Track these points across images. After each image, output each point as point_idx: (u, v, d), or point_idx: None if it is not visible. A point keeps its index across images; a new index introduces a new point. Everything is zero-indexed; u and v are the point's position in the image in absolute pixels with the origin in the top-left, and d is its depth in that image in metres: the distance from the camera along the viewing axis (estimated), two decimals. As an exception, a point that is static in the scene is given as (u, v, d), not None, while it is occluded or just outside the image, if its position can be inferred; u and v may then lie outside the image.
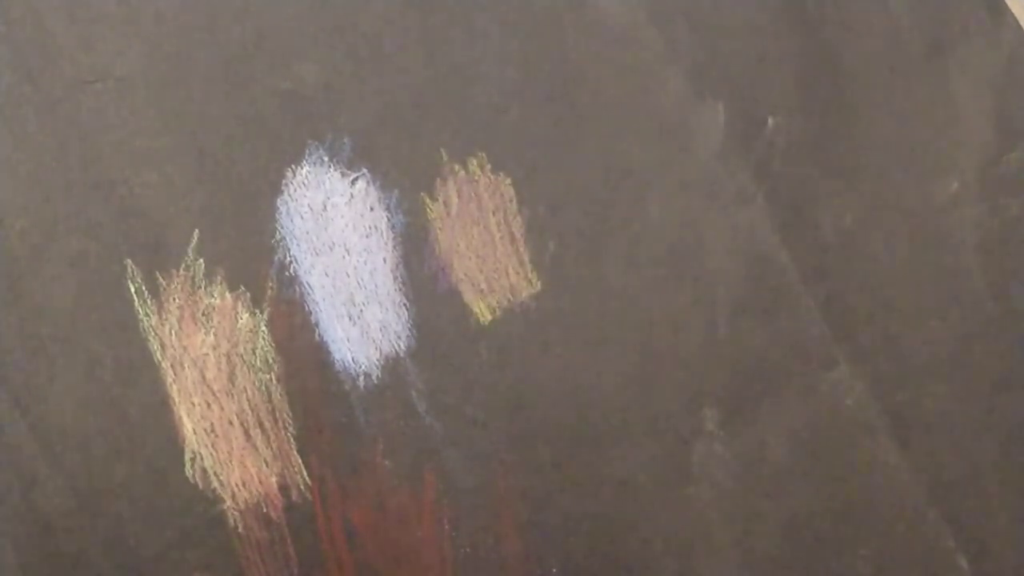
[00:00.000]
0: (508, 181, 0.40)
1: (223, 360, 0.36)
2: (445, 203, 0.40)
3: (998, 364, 0.45)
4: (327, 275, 0.38)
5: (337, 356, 0.37)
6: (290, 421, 0.36)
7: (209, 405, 0.36)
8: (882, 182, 0.44)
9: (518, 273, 0.40)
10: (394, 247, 0.39)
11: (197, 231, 0.37)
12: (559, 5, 0.42)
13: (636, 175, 0.41)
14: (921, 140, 0.44)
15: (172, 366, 0.36)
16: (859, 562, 0.42)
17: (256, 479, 0.36)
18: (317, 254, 0.38)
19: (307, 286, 0.37)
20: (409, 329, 0.38)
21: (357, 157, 0.39)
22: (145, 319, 0.36)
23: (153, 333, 0.36)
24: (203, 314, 0.36)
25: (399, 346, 0.38)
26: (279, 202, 0.38)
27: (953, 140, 0.44)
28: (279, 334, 0.37)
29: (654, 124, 0.42)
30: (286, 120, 0.38)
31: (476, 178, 0.40)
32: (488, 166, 0.40)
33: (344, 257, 0.38)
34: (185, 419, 0.35)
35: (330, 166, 0.39)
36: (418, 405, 0.38)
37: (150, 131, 0.37)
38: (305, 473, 0.36)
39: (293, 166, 0.38)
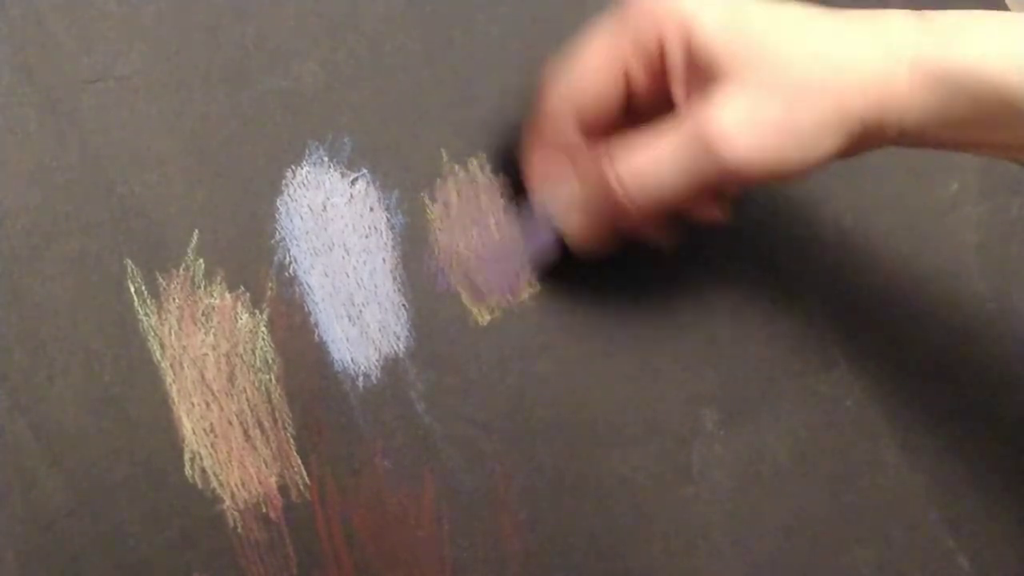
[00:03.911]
0: (508, 181, 0.40)
1: (223, 360, 0.36)
2: (445, 204, 0.40)
3: (998, 364, 0.45)
4: (327, 275, 0.38)
5: (336, 356, 0.37)
6: (289, 421, 0.36)
7: (208, 405, 0.36)
8: (882, 182, 0.44)
9: (517, 274, 0.40)
10: (394, 247, 0.39)
11: (197, 231, 0.37)
12: (559, 5, 0.42)
13: (636, 175, 0.41)
14: (921, 140, 0.44)
15: (172, 366, 0.36)
16: (859, 562, 0.42)
17: (255, 479, 0.36)
18: (317, 254, 0.38)
19: (307, 286, 0.38)
20: (408, 329, 0.38)
21: (357, 157, 0.39)
22: (145, 319, 0.36)
23: (153, 333, 0.36)
24: (203, 314, 0.36)
25: (398, 346, 0.38)
26: (279, 202, 0.38)
27: (953, 140, 0.44)
28: (279, 334, 0.37)
29: (654, 124, 0.41)
30: (286, 120, 0.38)
31: (476, 179, 0.40)
32: (488, 166, 0.40)
33: (344, 257, 0.38)
34: (184, 419, 0.35)
35: (330, 166, 0.39)
36: (417, 405, 0.38)
37: (150, 131, 0.37)
38: (304, 473, 0.36)
39: (293, 166, 0.38)
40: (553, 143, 0.37)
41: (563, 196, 0.37)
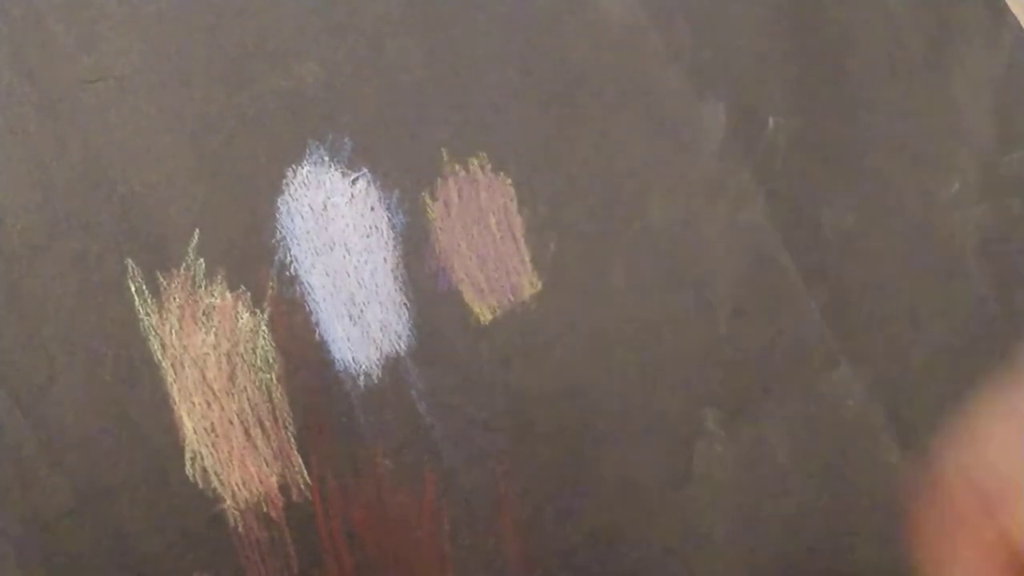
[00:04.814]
0: (508, 181, 0.40)
1: (223, 360, 0.36)
2: (445, 203, 0.40)
3: (999, 364, 0.45)
4: (327, 275, 0.38)
5: (337, 356, 0.37)
6: (290, 421, 0.36)
7: (209, 405, 0.36)
8: (882, 182, 0.44)
9: (519, 273, 0.40)
10: (394, 247, 0.39)
11: (197, 231, 0.37)
12: (559, 5, 0.42)
13: (637, 175, 0.41)
14: (921, 140, 0.44)
15: (172, 366, 0.36)
16: (859, 562, 0.42)
17: (256, 479, 0.36)
18: (317, 254, 0.38)
19: (307, 286, 0.38)
20: (409, 329, 0.38)
21: (357, 157, 0.39)
22: (145, 319, 0.36)
23: (153, 332, 0.36)
24: (203, 314, 0.36)
25: (399, 346, 0.38)
26: (279, 202, 0.38)
27: (953, 140, 0.44)
28: (279, 334, 0.37)
29: (654, 124, 0.42)
30: (286, 120, 0.38)
31: (476, 178, 0.40)
32: (488, 166, 0.40)
33: (344, 257, 0.38)
34: (185, 419, 0.35)
35: (330, 166, 0.39)
36: (418, 405, 0.38)
37: (150, 131, 0.37)
38: (305, 473, 0.36)
39: (293, 166, 0.38)
40: (947, 515, 0.32)
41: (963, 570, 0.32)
